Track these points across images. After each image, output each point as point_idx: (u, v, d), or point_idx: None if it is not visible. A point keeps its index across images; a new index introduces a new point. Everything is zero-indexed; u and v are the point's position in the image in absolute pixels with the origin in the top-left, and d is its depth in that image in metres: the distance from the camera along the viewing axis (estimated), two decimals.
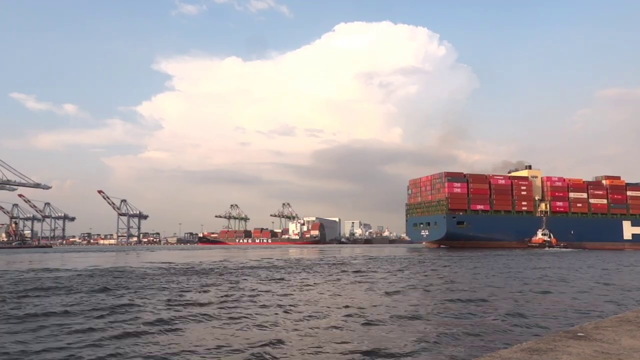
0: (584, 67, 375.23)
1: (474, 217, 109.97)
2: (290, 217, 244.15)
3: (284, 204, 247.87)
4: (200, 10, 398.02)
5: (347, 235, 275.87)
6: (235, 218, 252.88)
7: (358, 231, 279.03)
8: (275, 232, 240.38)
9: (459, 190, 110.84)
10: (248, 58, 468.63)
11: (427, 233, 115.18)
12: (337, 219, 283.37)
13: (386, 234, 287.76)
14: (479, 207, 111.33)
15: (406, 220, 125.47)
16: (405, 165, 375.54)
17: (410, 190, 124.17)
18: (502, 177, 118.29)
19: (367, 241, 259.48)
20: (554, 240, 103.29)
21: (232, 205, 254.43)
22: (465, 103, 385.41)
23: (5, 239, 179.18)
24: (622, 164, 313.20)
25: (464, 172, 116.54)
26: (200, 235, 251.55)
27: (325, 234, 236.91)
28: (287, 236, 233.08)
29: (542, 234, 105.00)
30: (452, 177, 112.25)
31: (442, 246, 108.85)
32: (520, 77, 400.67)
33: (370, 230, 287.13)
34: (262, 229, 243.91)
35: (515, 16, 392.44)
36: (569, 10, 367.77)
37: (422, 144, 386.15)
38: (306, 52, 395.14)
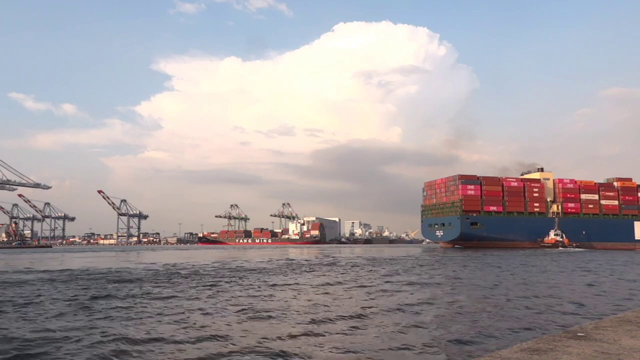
0: (585, 67, 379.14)
1: (487, 218, 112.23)
2: (290, 217, 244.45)
3: (284, 204, 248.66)
4: (199, 9, 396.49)
5: (347, 235, 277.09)
6: (235, 218, 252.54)
7: (358, 231, 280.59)
8: (275, 232, 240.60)
9: (472, 192, 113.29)
10: (247, 58, 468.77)
11: (441, 233, 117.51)
12: (337, 219, 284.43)
13: (386, 234, 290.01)
14: (492, 208, 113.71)
15: (421, 221, 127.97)
16: (405, 165, 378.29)
17: (425, 192, 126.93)
18: (514, 180, 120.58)
19: (367, 241, 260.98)
20: (566, 241, 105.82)
21: (232, 205, 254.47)
22: (465, 103, 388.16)
23: (5, 239, 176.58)
24: (623, 163, 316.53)
25: (477, 175, 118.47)
26: (200, 235, 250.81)
27: (325, 234, 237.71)
28: (287, 236, 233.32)
29: (554, 235, 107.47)
30: (466, 179, 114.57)
31: (456, 246, 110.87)
32: (520, 77, 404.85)
33: (370, 230, 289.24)
34: (262, 229, 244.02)
35: (516, 16, 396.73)
36: (570, 10, 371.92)
37: (422, 143, 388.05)
38: (305, 52, 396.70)
